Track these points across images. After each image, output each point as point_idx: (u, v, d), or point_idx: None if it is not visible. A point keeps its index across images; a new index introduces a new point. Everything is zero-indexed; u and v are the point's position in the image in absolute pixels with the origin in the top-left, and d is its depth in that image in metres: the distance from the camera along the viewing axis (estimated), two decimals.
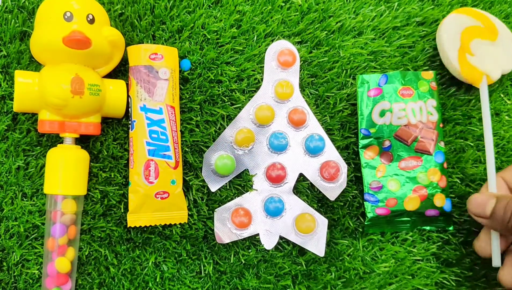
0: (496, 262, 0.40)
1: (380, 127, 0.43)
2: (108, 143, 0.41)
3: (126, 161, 0.41)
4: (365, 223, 0.43)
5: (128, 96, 0.40)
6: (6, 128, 0.40)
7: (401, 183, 0.43)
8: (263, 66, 0.44)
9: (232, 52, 0.44)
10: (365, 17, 0.46)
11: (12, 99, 0.40)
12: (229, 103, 0.43)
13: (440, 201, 0.43)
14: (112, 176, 0.41)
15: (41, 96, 0.36)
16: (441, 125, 0.44)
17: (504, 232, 0.39)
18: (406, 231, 0.45)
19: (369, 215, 0.43)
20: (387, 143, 0.43)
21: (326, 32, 0.45)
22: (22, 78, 0.37)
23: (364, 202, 0.43)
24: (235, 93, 0.43)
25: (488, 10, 0.49)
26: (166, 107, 0.40)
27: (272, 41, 0.44)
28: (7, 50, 0.41)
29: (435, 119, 0.44)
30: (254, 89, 0.44)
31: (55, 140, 0.41)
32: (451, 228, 0.45)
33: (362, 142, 0.43)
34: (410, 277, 0.45)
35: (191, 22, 0.43)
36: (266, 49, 0.44)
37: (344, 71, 0.45)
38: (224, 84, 0.43)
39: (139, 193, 0.39)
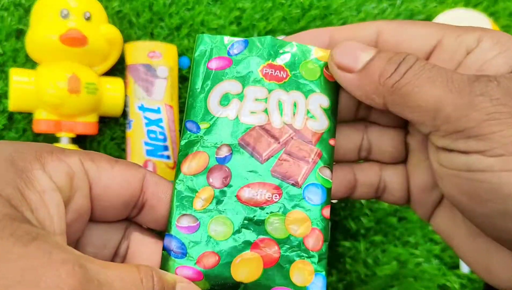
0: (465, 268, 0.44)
1: (219, 123, 0.24)
2: (105, 143, 0.41)
3: None
4: None
5: (125, 95, 0.40)
6: (2, 127, 0.39)
7: (235, 226, 0.23)
8: None
9: None
10: (367, 14, 0.46)
11: (8, 98, 0.40)
12: None
13: (304, 274, 0.23)
14: None
15: (37, 94, 0.36)
16: (331, 142, 0.25)
17: (370, 94, 0.25)
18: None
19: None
20: (224, 152, 0.24)
21: None
22: (17, 77, 0.36)
23: (162, 253, 0.23)
24: None
25: (492, 7, 0.48)
26: (165, 106, 0.39)
27: None
28: (2, 48, 0.40)
29: (320, 128, 0.25)
30: None
31: (52, 140, 0.40)
32: None
33: (183, 144, 0.24)
34: (413, 280, 0.44)
35: (190, 19, 0.43)
36: None
37: None
38: None
39: None
